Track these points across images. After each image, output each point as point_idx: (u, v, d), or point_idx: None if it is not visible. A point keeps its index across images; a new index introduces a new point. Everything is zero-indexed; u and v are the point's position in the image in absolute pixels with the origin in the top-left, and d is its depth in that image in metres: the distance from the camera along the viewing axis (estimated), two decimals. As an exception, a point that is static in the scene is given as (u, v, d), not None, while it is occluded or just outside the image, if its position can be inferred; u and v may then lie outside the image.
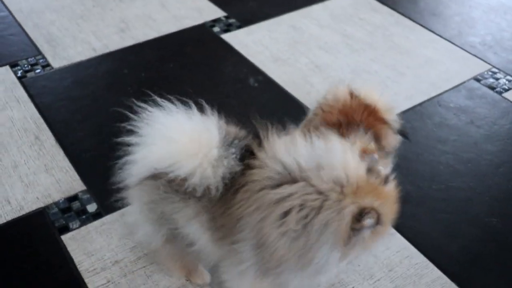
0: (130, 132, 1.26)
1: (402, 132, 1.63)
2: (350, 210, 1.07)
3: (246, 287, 1.31)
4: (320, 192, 1.09)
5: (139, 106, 1.27)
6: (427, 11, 3.09)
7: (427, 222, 1.91)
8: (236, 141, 1.21)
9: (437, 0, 3.20)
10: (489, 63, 2.69)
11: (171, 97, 1.29)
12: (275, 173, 1.13)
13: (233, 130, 1.26)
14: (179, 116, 1.23)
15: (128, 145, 1.27)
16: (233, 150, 1.20)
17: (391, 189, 1.15)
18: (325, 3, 3.11)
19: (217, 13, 2.97)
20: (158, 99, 1.27)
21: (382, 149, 1.51)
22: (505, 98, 2.48)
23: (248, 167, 1.18)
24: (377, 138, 1.49)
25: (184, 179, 1.18)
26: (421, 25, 2.96)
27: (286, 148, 1.15)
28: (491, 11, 3.11)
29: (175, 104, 1.26)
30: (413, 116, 2.36)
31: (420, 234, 1.86)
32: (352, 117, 1.49)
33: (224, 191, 1.19)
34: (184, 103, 1.27)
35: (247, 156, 1.20)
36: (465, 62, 2.70)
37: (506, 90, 2.53)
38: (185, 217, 1.29)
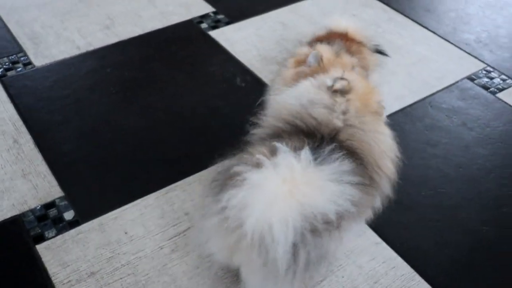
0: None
1: (377, 50, 1.91)
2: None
3: None
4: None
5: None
6: (421, 6, 3.01)
7: (415, 230, 1.85)
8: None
9: (432, -5, 3.12)
10: (483, 62, 2.62)
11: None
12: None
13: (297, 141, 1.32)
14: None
15: None
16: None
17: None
18: (317, -2, 3.03)
19: (206, 8, 2.89)
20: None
21: (364, 68, 1.78)
22: (499, 99, 2.41)
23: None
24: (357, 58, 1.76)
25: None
26: (415, 21, 2.88)
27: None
28: (487, 7, 3.03)
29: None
30: (403, 118, 2.29)
31: (407, 243, 1.80)
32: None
33: None
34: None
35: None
36: (459, 60, 2.63)
37: (500, 90, 2.46)
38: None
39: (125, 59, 2.54)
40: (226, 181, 1.24)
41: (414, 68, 2.56)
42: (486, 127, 2.26)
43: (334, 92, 1.45)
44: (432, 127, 2.25)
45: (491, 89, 2.46)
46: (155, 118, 2.23)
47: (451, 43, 2.74)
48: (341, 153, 1.28)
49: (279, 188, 1.16)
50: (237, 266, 1.35)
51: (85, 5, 2.88)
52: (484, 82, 2.50)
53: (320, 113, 1.40)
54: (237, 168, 1.22)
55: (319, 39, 1.86)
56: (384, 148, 1.45)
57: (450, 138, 2.20)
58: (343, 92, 1.45)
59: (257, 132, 1.51)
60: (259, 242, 1.14)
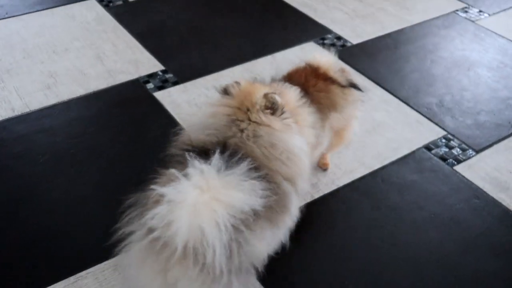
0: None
1: (351, 84, 1.85)
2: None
3: None
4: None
5: None
6: (384, 65, 2.87)
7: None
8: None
9: (397, 53, 2.98)
10: (444, 129, 2.46)
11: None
12: None
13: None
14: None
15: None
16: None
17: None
18: (274, 55, 2.89)
19: (155, 67, 2.76)
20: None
21: (332, 105, 1.80)
22: (456, 172, 2.23)
23: None
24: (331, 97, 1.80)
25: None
26: (376, 83, 2.73)
27: None
28: (453, 67, 2.88)
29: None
30: (349, 194, 2.12)
31: None
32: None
33: None
34: None
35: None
36: (417, 127, 2.46)
37: (459, 162, 2.28)
38: None
39: (60, 123, 2.39)
40: (146, 204, 1.28)
41: (368, 138, 2.39)
42: (439, 205, 2.08)
43: (225, 94, 1.58)
44: (380, 205, 2.07)
45: (449, 160, 2.29)
46: (83, 192, 2.06)
47: (412, 107, 2.58)
48: (238, 157, 1.36)
49: (200, 197, 1.21)
50: (173, 284, 1.31)
51: (29, 62, 2.76)
52: (442, 153, 2.33)
53: (215, 129, 1.49)
54: (153, 189, 1.26)
55: (285, 76, 1.86)
56: (277, 153, 1.49)
57: (398, 219, 2.02)
58: (227, 92, 1.58)
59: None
60: (193, 250, 1.19)
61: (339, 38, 3.08)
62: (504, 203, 2.10)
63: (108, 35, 3.01)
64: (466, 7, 3.44)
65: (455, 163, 2.28)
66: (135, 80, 2.66)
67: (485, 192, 2.15)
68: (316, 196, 2.10)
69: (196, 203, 1.20)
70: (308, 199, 2.07)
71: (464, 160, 2.30)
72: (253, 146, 1.46)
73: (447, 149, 2.35)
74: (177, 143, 1.52)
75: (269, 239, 1.44)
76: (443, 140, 2.39)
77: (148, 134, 2.36)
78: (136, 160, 2.21)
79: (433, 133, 2.44)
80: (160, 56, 2.84)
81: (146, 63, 2.78)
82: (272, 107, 1.53)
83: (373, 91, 2.67)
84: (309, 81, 1.80)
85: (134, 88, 2.62)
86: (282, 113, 1.56)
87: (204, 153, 1.38)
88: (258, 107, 1.53)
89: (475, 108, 2.59)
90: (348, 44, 3.03)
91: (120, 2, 3.32)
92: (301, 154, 1.55)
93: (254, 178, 1.31)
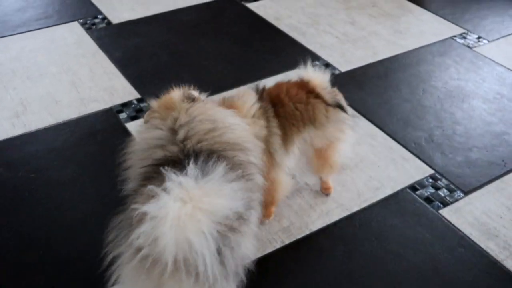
0: None
1: (337, 104, 1.85)
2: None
3: None
4: None
5: None
6: (373, 95, 2.71)
7: None
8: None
9: (388, 81, 2.83)
10: (431, 167, 2.29)
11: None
12: None
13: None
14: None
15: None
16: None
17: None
18: (258, 83, 2.74)
19: (131, 95, 2.64)
20: None
21: (309, 119, 1.81)
22: (442, 216, 2.07)
23: None
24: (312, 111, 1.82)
25: None
26: (362, 114, 2.58)
27: None
28: (447, 98, 2.72)
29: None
30: (323, 239, 1.96)
31: None
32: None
33: None
34: None
35: None
36: (403, 164, 2.30)
37: (445, 205, 2.12)
38: None
39: (23, 156, 2.27)
40: (130, 225, 1.26)
41: (349, 174, 2.24)
42: (421, 255, 1.91)
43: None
44: (355, 254, 1.92)
45: (434, 203, 2.12)
46: (32, 239, 1.93)
47: (398, 142, 2.42)
48: (212, 159, 1.34)
49: (183, 209, 1.20)
50: None
51: (1, 88, 2.66)
52: (428, 194, 2.16)
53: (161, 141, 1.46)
54: (134, 208, 1.24)
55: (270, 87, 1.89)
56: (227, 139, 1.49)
57: (374, 270, 1.86)
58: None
59: (129, 184, 1.53)
60: (184, 263, 1.19)
61: (327, 65, 2.93)
62: (492, 253, 1.93)
63: (87, 59, 2.90)
64: (464, 33, 3.28)
65: (441, 206, 2.12)
66: (108, 110, 2.54)
67: (471, 240, 1.98)
68: (287, 241, 1.95)
69: (180, 215, 1.20)
70: (278, 245, 1.92)
71: (451, 202, 2.13)
72: (206, 135, 1.45)
73: (433, 190, 2.18)
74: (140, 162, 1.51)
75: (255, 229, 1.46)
76: (430, 180, 2.23)
77: (115, 169, 2.22)
78: (100, 197, 2.08)
79: (420, 171, 2.27)
80: (137, 83, 2.72)
81: (121, 91, 2.66)
82: (192, 98, 1.58)
83: (358, 123, 2.52)
84: (289, 92, 1.82)
85: (106, 118, 2.50)
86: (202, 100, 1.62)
87: (173, 162, 1.38)
88: (180, 100, 1.57)
89: (466, 144, 2.43)
90: (337, 72, 2.88)
91: (103, 25, 3.22)
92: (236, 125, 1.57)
93: (232, 179, 1.32)
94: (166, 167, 1.30)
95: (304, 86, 1.85)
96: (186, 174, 1.27)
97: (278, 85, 1.88)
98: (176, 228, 1.18)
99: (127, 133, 2.40)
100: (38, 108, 2.54)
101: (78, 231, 1.96)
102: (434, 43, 3.17)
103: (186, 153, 1.40)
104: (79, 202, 2.07)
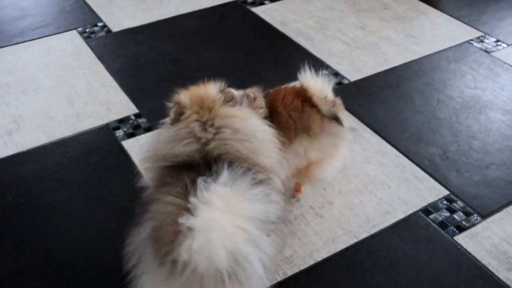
0: None
1: (333, 116, 1.75)
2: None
3: None
4: None
5: None
6: (384, 107, 2.56)
7: None
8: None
9: (399, 91, 2.67)
10: (446, 187, 2.14)
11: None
12: None
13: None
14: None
15: None
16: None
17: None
18: (262, 96, 2.61)
19: (128, 110, 2.52)
20: None
21: (302, 127, 1.74)
22: (457, 244, 1.92)
23: None
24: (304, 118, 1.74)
25: None
26: (373, 129, 2.42)
27: None
28: (462, 109, 2.55)
29: None
30: (328, 271, 1.83)
31: None
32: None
33: None
34: None
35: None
36: (416, 184, 2.15)
37: (461, 230, 1.97)
38: None
39: (14, 178, 2.17)
40: (172, 241, 1.21)
41: (357, 197, 2.09)
42: (435, 287, 1.77)
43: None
44: (363, 286, 1.78)
45: (449, 228, 1.97)
46: (29, 263, 1.83)
47: (411, 160, 2.27)
48: (241, 167, 1.33)
49: (224, 219, 1.20)
50: None
51: (-6, 104, 2.56)
52: (442, 218, 2.01)
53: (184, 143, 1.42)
54: (180, 221, 1.20)
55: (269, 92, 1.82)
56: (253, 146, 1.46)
57: (382, 306, 1.72)
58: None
59: (150, 189, 1.49)
60: (232, 271, 1.18)
61: (336, 74, 2.78)
62: (513, 286, 1.78)
63: (84, 71, 2.79)
64: (482, 36, 3.10)
65: (457, 231, 1.97)
66: (104, 126, 2.42)
67: (490, 270, 1.83)
68: (290, 273, 1.82)
69: (223, 225, 1.20)
70: (280, 277, 1.79)
71: (468, 227, 1.98)
72: (235, 143, 1.41)
73: (448, 214, 2.03)
74: (151, 165, 1.49)
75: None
76: (445, 202, 2.08)
77: (110, 191, 2.11)
78: (94, 222, 1.97)
79: (434, 192, 2.12)
80: (136, 96, 2.60)
81: (119, 105, 2.54)
82: (232, 100, 1.51)
83: (368, 139, 2.37)
84: (285, 99, 1.76)
85: (101, 135, 2.38)
86: (241, 103, 1.55)
87: (188, 166, 1.36)
88: (219, 102, 1.48)
89: (484, 161, 2.27)
90: (345, 82, 2.73)
91: (103, 33, 3.10)
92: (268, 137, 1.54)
93: (259, 185, 1.32)
94: (194, 175, 1.29)
95: (300, 93, 1.77)
96: (216, 181, 1.26)
97: (276, 91, 1.82)
98: (224, 239, 1.18)
99: (123, 152, 2.28)
100: (31, 125, 2.43)
101: (70, 261, 1.85)
102: (450, 47, 3.00)
103: (208, 158, 1.37)
104: (70, 229, 1.96)
